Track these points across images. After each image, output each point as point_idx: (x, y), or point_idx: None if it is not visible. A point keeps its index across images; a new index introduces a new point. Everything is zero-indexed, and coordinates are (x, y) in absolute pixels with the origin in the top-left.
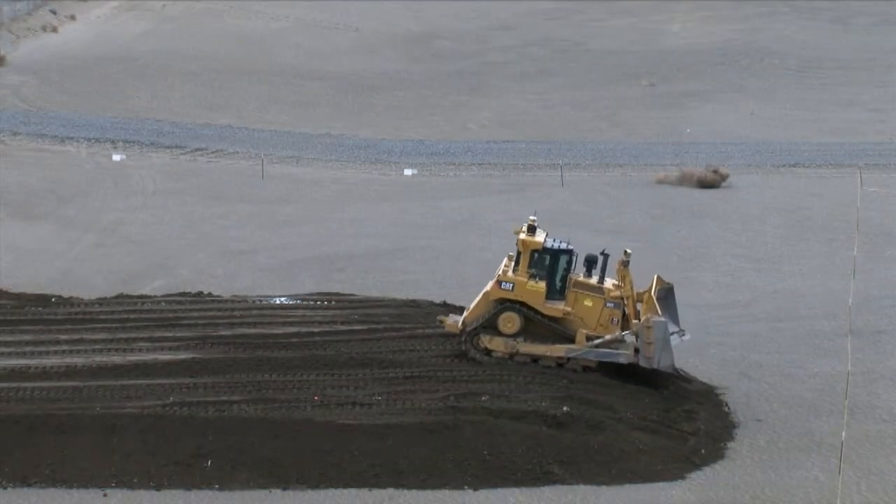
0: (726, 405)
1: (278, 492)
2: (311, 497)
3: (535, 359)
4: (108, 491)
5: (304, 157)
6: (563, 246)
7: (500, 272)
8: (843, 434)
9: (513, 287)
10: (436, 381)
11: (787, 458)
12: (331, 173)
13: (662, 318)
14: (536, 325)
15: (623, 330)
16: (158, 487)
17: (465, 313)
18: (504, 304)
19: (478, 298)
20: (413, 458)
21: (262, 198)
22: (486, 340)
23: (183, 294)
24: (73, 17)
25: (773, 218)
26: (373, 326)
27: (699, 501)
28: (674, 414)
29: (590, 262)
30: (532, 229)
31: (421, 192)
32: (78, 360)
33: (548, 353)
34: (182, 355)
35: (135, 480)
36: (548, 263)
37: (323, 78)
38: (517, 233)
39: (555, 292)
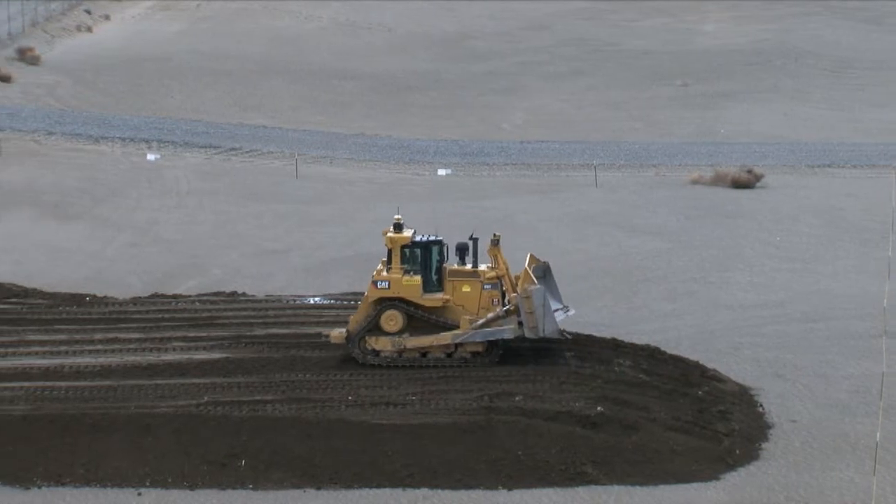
0: (760, 406)
1: (312, 491)
2: (345, 496)
3: (424, 352)
4: (142, 490)
5: (337, 156)
6: (432, 238)
7: (374, 274)
8: (878, 435)
9: (389, 285)
10: (469, 381)
11: (821, 460)
12: (364, 173)
13: (539, 286)
14: (420, 320)
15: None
16: (192, 487)
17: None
18: (384, 304)
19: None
20: (447, 458)
21: (296, 197)
22: (373, 341)
23: (217, 294)
24: (107, 17)
25: (808, 218)
26: None
27: (733, 502)
28: (708, 414)
29: (461, 250)
30: (398, 227)
31: (455, 193)
32: (112, 360)
33: (435, 343)
34: (216, 355)
35: (169, 480)
36: (420, 257)
37: (357, 78)
38: (385, 233)
39: (432, 285)
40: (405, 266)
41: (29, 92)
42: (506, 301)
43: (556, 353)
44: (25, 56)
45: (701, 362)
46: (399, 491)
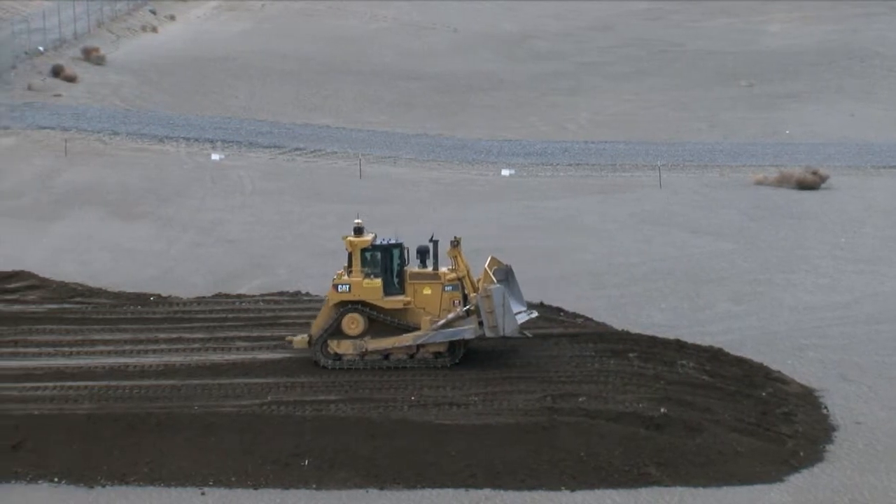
0: (825, 407)
1: (375, 491)
2: (408, 497)
3: (386, 355)
4: (205, 489)
5: (401, 157)
6: (393, 241)
7: (335, 277)
8: None
9: (349, 288)
10: (533, 382)
11: (886, 462)
12: (428, 173)
13: (498, 286)
14: (382, 324)
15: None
16: (256, 486)
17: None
18: (345, 307)
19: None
20: (509, 458)
21: (360, 198)
22: (335, 345)
23: (281, 293)
24: (172, 18)
25: (874, 219)
26: None
27: None
28: (772, 416)
29: (422, 254)
30: (359, 231)
31: (518, 193)
32: (176, 359)
33: (396, 345)
34: (280, 354)
35: (232, 479)
36: (380, 260)
37: (420, 78)
38: (345, 238)
39: (392, 288)
40: (366, 269)
41: (94, 92)
42: (467, 301)
43: (619, 354)
44: (91, 56)
45: (765, 363)
46: (462, 491)
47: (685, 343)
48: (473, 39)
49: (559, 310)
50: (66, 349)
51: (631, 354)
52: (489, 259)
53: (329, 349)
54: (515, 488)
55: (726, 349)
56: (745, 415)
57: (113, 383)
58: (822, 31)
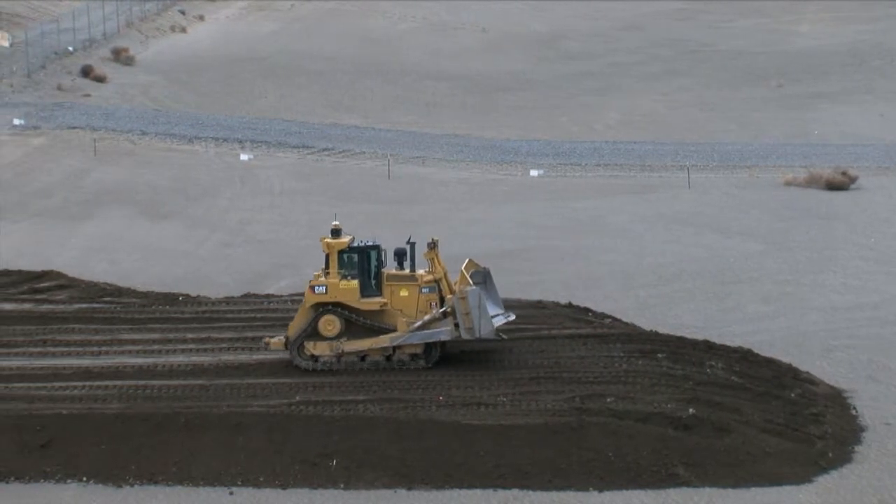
0: (854, 408)
1: (403, 491)
2: (436, 497)
3: (363, 356)
4: (234, 489)
5: (430, 157)
6: (370, 243)
7: (312, 279)
8: None
9: (326, 289)
10: (561, 383)
11: None
12: (456, 173)
13: (474, 288)
14: (359, 325)
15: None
16: (284, 486)
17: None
18: (322, 309)
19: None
20: (538, 459)
21: (389, 198)
22: (311, 347)
23: None
24: (201, 18)
25: None
26: None
27: None
28: (801, 417)
29: (399, 255)
30: (336, 233)
31: (547, 193)
32: (205, 359)
33: (373, 346)
34: None
35: (261, 479)
36: (357, 261)
37: (449, 78)
38: (322, 239)
39: (370, 289)
40: (343, 271)
41: (123, 92)
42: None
43: (647, 354)
44: (120, 56)
45: (794, 364)
46: (490, 492)
47: (714, 344)
48: (502, 39)
49: (587, 310)
50: (95, 349)
51: (659, 355)
52: (466, 261)
53: (306, 351)
54: (544, 489)
55: (755, 350)
56: (774, 415)
57: (141, 383)
58: (852, 32)
